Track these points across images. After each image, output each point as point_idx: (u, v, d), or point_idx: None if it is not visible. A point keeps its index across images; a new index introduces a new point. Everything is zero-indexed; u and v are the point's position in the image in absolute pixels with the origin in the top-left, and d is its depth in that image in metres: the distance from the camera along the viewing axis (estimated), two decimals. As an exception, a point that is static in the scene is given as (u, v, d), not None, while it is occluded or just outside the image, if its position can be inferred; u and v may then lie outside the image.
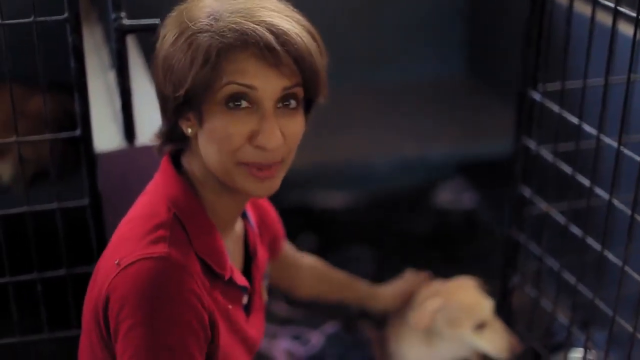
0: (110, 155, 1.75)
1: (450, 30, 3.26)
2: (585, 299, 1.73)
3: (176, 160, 1.41)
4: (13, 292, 1.76)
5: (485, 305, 1.89)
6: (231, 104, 1.26)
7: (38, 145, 1.85)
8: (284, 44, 1.25)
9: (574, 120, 1.74)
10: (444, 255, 2.82)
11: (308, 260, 1.95)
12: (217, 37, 1.24)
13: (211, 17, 1.26)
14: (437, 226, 3.06)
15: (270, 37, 1.24)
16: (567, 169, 1.79)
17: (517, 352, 1.87)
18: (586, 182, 1.71)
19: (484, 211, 3.13)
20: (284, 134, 1.29)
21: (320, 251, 2.23)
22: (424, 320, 1.87)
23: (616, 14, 1.56)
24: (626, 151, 1.57)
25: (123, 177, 1.73)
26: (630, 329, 1.60)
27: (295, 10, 1.32)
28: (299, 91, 1.30)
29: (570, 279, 1.79)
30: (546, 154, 1.87)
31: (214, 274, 1.35)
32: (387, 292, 2.01)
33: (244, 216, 1.53)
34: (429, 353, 1.98)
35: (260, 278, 1.54)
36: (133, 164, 1.74)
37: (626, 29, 1.67)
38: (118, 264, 1.27)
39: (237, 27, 1.24)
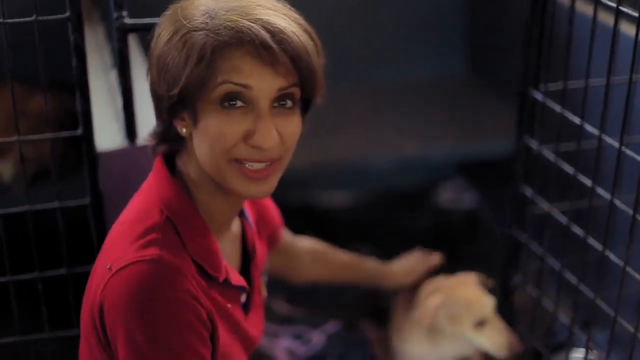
0: (112, 155, 1.75)
1: (451, 30, 3.26)
2: (587, 299, 1.73)
3: (170, 161, 1.40)
4: (14, 291, 1.76)
5: (486, 303, 1.89)
6: (226, 104, 1.25)
7: (39, 144, 1.85)
8: (280, 43, 1.23)
9: (576, 120, 1.73)
10: (445, 254, 2.81)
11: (305, 243, 1.93)
12: (212, 35, 1.23)
13: (206, 15, 1.25)
14: (438, 226, 3.06)
15: (266, 35, 1.22)
16: (568, 168, 1.78)
17: (516, 351, 1.87)
18: (588, 182, 1.71)
19: (485, 211, 3.13)
20: (280, 134, 1.28)
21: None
22: (427, 318, 1.87)
23: (618, 14, 1.56)
24: (628, 151, 1.57)
25: (124, 176, 1.73)
26: (631, 329, 1.59)
27: (292, 8, 1.31)
28: (296, 91, 1.28)
29: (572, 279, 1.79)
30: (548, 153, 1.87)
31: (208, 275, 1.34)
32: (398, 269, 2.00)
33: (242, 214, 1.52)
34: (431, 351, 1.98)
35: (258, 276, 1.54)
36: (134, 163, 1.74)
37: (628, 28, 1.66)
38: (110, 269, 1.26)
39: (232, 25, 1.23)
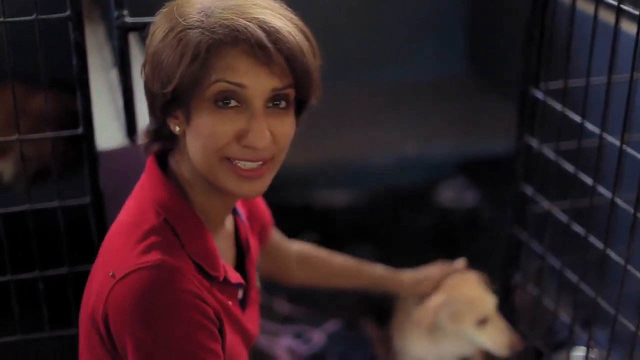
0: (112, 154, 1.75)
1: (452, 29, 3.26)
2: (588, 298, 1.73)
3: (162, 160, 1.39)
4: (14, 291, 1.76)
5: (487, 301, 1.89)
6: (220, 102, 1.24)
7: (40, 143, 1.85)
8: (276, 42, 1.22)
9: (577, 118, 1.73)
10: (446, 253, 2.81)
11: (299, 247, 1.90)
12: (208, 33, 1.22)
13: (202, 13, 1.24)
14: (439, 225, 3.06)
15: (261, 35, 1.21)
16: (569, 167, 1.78)
17: (518, 350, 1.87)
18: (588, 180, 1.71)
19: (486, 210, 3.13)
20: (273, 134, 1.27)
21: (326, 250, 2.23)
22: (428, 317, 1.87)
23: (619, 12, 1.56)
24: (629, 150, 1.57)
25: (125, 175, 1.72)
26: (632, 327, 1.59)
27: (288, 8, 1.30)
28: (290, 92, 1.27)
29: (573, 277, 1.79)
30: (548, 152, 1.87)
31: (208, 275, 1.33)
32: (407, 278, 1.95)
33: (234, 211, 1.51)
34: (432, 350, 1.98)
35: (253, 271, 1.53)
36: (135, 162, 1.73)
37: (629, 27, 1.66)
38: (113, 276, 1.26)
39: (228, 24, 1.22)
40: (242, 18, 1.22)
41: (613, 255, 1.64)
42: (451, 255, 2.63)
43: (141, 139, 1.40)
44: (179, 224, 1.32)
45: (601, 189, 1.68)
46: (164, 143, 1.37)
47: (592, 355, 1.80)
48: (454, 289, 1.90)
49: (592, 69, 1.69)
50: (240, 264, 1.50)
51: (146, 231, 1.29)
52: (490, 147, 2.85)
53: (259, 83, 1.23)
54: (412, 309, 1.94)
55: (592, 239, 1.71)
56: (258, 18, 1.23)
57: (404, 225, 3.04)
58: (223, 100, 1.24)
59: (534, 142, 1.92)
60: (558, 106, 1.80)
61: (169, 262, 1.26)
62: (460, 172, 3.27)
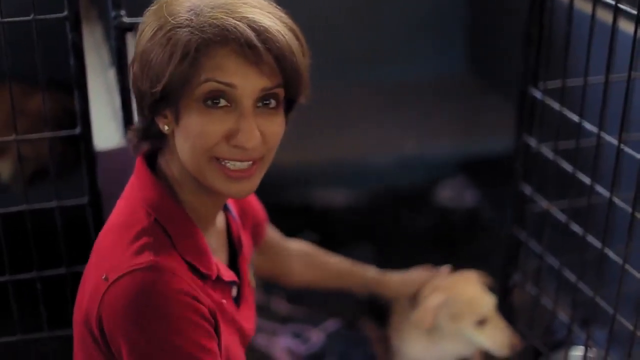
0: (110, 154, 1.75)
1: (452, 29, 3.26)
2: (586, 297, 1.73)
3: (151, 160, 1.38)
4: (13, 291, 1.76)
5: (487, 301, 1.89)
6: (209, 102, 1.23)
7: (37, 143, 1.85)
8: (265, 42, 1.22)
9: (575, 118, 1.73)
10: (445, 253, 2.81)
11: (297, 246, 1.90)
12: (197, 32, 1.21)
13: (192, 12, 1.23)
14: (438, 224, 3.06)
15: (251, 34, 1.21)
16: (567, 166, 1.78)
17: (517, 350, 1.87)
18: (587, 180, 1.71)
19: (485, 209, 3.13)
20: (263, 134, 1.27)
21: (323, 250, 2.23)
22: (428, 317, 1.86)
23: (617, 12, 1.56)
24: (627, 149, 1.57)
25: (123, 175, 1.71)
26: (630, 327, 1.59)
27: (278, 7, 1.30)
28: (280, 91, 1.27)
29: (571, 276, 1.79)
30: (547, 151, 1.87)
31: (201, 273, 1.33)
32: (395, 279, 1.96)
33: (225, 208, 1.51)
34: (431, 350, 1.98)
35: (247, 268, 1.53)
36: (133, 162, 1.73)
37: (627, 26, 1.66)
38: (106, 279, 1.25)
39: (217, 23, 1.21)
40: (232, 17, 1.22)
41: (611, 254, 1.64)
42: (450, 255, 2.63)
43: (130, 138, 1.39)
44: (170, 224, 1.31)
45: (599, 189, 1.68)
46: (153, 142, 1.37)
47: (590, 354, 1.80)
48: (453, 289, 1.90)
49: (590, 69, 1.69)
50: (233, 262, 1.49)
51: (137, 232, 1.29)
52: (490, 146, 2.85)
53: (248, 83, 1.23)
54: (411, 309, 1.93)
55: (591, 239, 1.71)
56: (247, 17, 1.22)
57: (404, 225, 3.04)
58: (212, 100, 1.24)
59: (533, 142, 1.92)
60: (556, 105, 1.80)
61: (162, 262, 1.25)
62: (460, 171, 3.27)
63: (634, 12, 1.49)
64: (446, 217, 3.11)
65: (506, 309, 2.03)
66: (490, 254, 2.40)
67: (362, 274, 1.95)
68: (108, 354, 1.28)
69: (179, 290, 1.25)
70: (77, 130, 1.70)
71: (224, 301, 1.38)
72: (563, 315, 1.88)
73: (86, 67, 1.67)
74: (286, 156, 2.63)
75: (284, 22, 1.27)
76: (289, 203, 3.01)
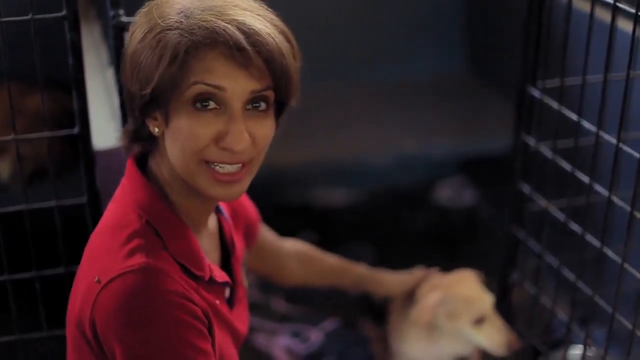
0: (109, 153, 1.75)
1: (451, 28, 3.26)
2: (585, 296, 1.73)
3: (141, 163, 1.38)
4: (12, 290, 1.76)
5: (485, 299, 1.89)
6: (198, 104, 1.23)
7: (36, 143, 1.84)
8: (255, 44, 1.22)
9: (573, 117, 1.73)
10: (444, 252, 2.81)
11: (291, 245, 1.90)
12: (187, 35, 1.21)
13: (181, 14, 1.23)
14: (437, 223, 3.06)
15: (240, 37, 1.21)
16: (566, 165, 1.78)
17: (515, 349, 1.87)
18: (585, 178, 1.71)
19: (484, 208, 3.13)
20: (252, 137, 1.26)
21: (320, 249, 2.22)
22: (425, 315, 1.86)
23: (615, 11, 1.56)
24: (625, 148, 1.57)
25: (121, 174, 1.72)
26: (629, 326, 1.59)
27: (269, 10, 1.29)
28: (270, 94, 1.27)
29: (570, 275, 1.79)
30: (545, 150, 1.87)
31: (193, 275, 1.33)
32: (389, 278, 1.98)
33: (217, 209, 1.51)
34: (430, 349, 1.98)
35: (239, 269, 1.53)
36: (131, 161, 1.74)
37: (625, 25, 1.66)
38: (98, 282, 1.25)
39: (207, 25, 1.21)
40: (221, 20, 1.22)
41: (610, 253, 1.64)
42: (450, 254, 2.64)
43: (121, 140, 1.39)
44: (161, 226, 1.31)
45: (598, 187, 1.68)
46: (144, 144, 1.36)
47: (589, 353, 1.80)
48: (451, 288, 1.90)
49: (589, 67, 1.69)
50: (226, 263, 1.49)
51: (129, 234, 1.28)
52: (489, 145, 2.85)
53: (237, 85, 1.23)
54: (409, 308, 1.93)
55: (590, 237, 1.71)
56: (237, 20, 1.22)
57: (403, 224, 3.04)
58: (201, 103, 1.23)
59: (532, 141, 1.91)
60: (555, 104, 1.80)
61: (154, 264, 1.25)
62: (459, 170, 3.27)
63: (633, 10, 1.49)
64: (445, 216, 3.11)
65: (505, 308, 2.03)
66: (489, 253, 2.40)
67: (355, 272, 1.96)
68: (101, 356, 1.28)
69: (172, 291, 1.24)
70: (76, 130, 1.70)
71: (217, 302, 1.38)
72: (562, 314, 1.88)
73: (85, 67, 1.66)
74: (286, 156, 2.64)
75: (274, 25, 1.26)
76: (289, 203, 3.01)
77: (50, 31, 1.63)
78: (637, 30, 1.48)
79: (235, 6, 1.24)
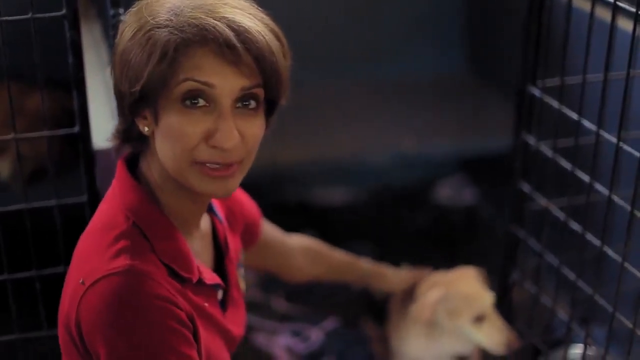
0: (109, 152, 1.73)
1: (450, 27, 3.26)
2: (585, 295, 1.73)
3: (133, 164, 1.38)
4: (12, 290, 1.76)
5: (485, 297, 1.89)
6: (187, 102, 1.23)
7: (36, 142, 1.84)
8: (245, 42, 1.21)
9: (574, 116, 1.73)
10: (444, 251, 2.82)
11: (298, 240, 1.89)
12: (176, 33, 1.21)
13: (171, 12, 1.23)
14: (437, 222, 3.06)
15: (230, 34, 1.20)
16: (566, 164, 1.78)
17: (514, 348, 1.87)
18: (586, 178, 1.71)
19: (484, 207, 3.13)
20: (242, 135, 1.26)
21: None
22: (426, 312, 1.86)
23: (615, 10, 1.56)
24: (625, 147, 1.57)
25: (121, 174, 1.72)
26: (630, 325, 1.59)
27: (259, 8, 1.29)
28: (259, 92, 1.26)
29: (570, 275, 1.79)
30: (546, 149, 1.87)
31: (181, 277, 1.32)
32: (391, 272, 1.98)
33: (211, 210, 1.50)
34: (429, 348, 1.98)
35: (234, 271, 1.51)
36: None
37: (625, 24, 1.66)
38: (83, 283, 1.24)
39: (196, 23, 1.21)
40: (211, 17, 1.22)
41: (610, 252, 1.64)
42: (449, 253, 2.63)
43: (112, 141, 1.38)
44: (148, 227, 1.30)
45: (598, 187, 1.67)
46: (135, 145, 1.36)
47: (589, 352, 1.80)
48: (451, 285, 1.90)
49: (589, 67, 1.69)
50: (220, 265, 1.48)
51: (115, 236, 1.28)
52: (489, 144, 2.85)
53: (227, 82, 1.22)
54: (409, 306, 1.93)
55: (590, 237, 1.71)
56: (227, 17, 1.22)
57: (403, 223, 3.04)
58: (191, 100, 1.23)
59: (532, 140, 1.91)
60: (555, 104, 1.80)
61: (138, 266, 1.24)
62: (459, 170, 3.27)
63: (633, 9, 1.49)
64: (445, 215, 3.11)
65: (505, 307, 2.03)
66: (489, 252, 2.40)
67: (360, 267, 1.96)
68: (87, 357, 1.27)
69: (156, 294, 1.24)
70: (76, 129, 1.70)
71: (206, 304, 1.37)
72: (562, 314, 1.88)
73: (85, 66, 1.66)
74: (286, 155, 2.64)
75: (265, 23, 1.26)
76: (288, 202, 3.01)
77: (50, 30, 1.63)
78: (637, 29, 1.48)
79: (225, 4, 1.24)
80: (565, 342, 1.88)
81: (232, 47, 1.21)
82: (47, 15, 1.60)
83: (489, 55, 3.16)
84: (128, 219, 1.30)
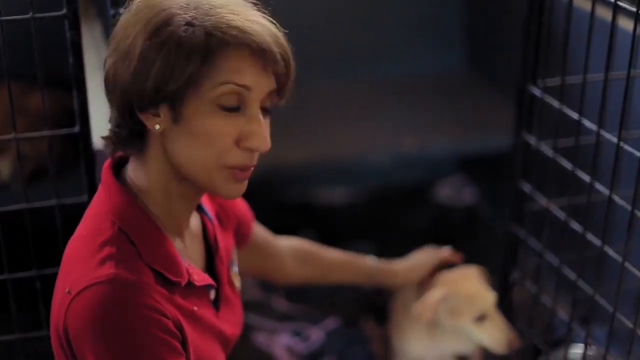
0: (109, 152, 1.75)
1: (451, 25, 3.26)
2: (586, 295, 1.73)
3: (117, 168, 1.36)
4: (12, 289, 1.76)
5: (487, 297, 1.89)
6: (224, 104, 1.22)
7: (36, 142, 1.84)
8: (280, 47, 1.23)
9: (574, 115, 1.73)
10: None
11: (287, 243, 1.85)
12: (213, 32, 1.20)
13: (198, 9, 1.21)
14: (437, 222, 3.06)
15: (268, 38, 1.22)
16: (567, 164, 1.78)
17: (516, 348, 1.87)
18: (586, 177, 1.71)
19: (484, 207, 3.13)
20: None
21: (321, 244, 2.22)
22: (428, 312, 1.86)
23: (616, 9, 1.56)
24: (626, 147, 1.57)
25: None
26: (630, 324, 1.59)
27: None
28: (274, 95, 1.28)
29: (570, 274, 1.79)
30: (546, 149, 1.87)
31: (169, 281, 1.30)
32: (400, 267, 1.94)
33: (200, 209, 1.49)
34: (431, 347, 1.98)
35: (225, 269, 1.50)
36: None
37: (626, 24, 1.66)
38: (69, 292, 1.24)
39: (234, 24, 1.20)
40: (244, 19, 1.22)
41: (611, 252, 1.64)
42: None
43: (106, 144, 1.35)
44: (134, 232, 1.28)
45: (599, 186, 1.67)
46: (125, 147, 1.33)
47: (590, 352, 1.80)
48: (453, 284, 1.90)
49: (590, 66, 1.69)
50: (211, 264, 1.47)
51: (101, 243, 1.26)
52: (489, 144, 2.84)
53: (260, 85, 1.23)
54: (411, 306, 1.93)
55: (590, 236, 1.71)
56: (259, 21, 1.23)
57: (403, 223, 3.04)
58: (228, 102, 1.23)
59: (532, 140, 1.91)
60: (556, 103, 1.80)
61: (123, 275, 1.23)
62: (459, 169, 3.27)
63: (633, 9, 1.49)
64: (445, 215, 3.12)
65: (505, 306, 2.03)
66: (489, 252, 2.40)
67: (366, 265, 1.92)
68: None
69: (141, 303, 1.22)
70: (76, 129, 1.70)
71: (196, 308, 1.35)
72: (563, 313, 1.88)
73: (85, 66, 1.66)
74: (286, 154, 2.63)
75: (278, 29, 1.28)
76: (289, 201, 3.01)
77: (50, 30, 1.63)
78: (637, 29, 1.48)
79: (244, 6, 1.25)
80: (565, 341, 1.88)
81: (270, 52, 1.22)
82: (47, 15, 1.60)
83: (489, 55, 3.16)
84: (114, 225, 1.28)
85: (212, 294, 1.44)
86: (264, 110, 1.28)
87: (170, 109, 1.24)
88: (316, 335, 2.44)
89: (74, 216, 1.74)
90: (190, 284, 1.34)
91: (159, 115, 1.25)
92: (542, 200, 1.91)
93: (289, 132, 2.47)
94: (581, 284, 1.75)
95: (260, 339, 2.42)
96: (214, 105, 1.22)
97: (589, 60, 1.68)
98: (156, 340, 1.23)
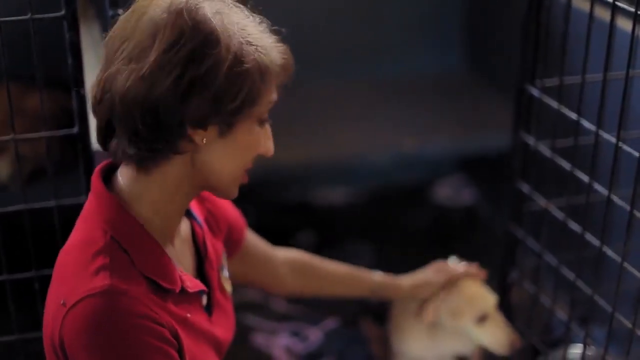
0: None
1: (450, 25, 3.26)
2: (584, 295, 1.73)
3: (107, 176, 1.36)
4: (11, 290, 1.76)
5: (488, 298, 1.88)
6: (263, 118, 1.32)
7: (35, 142, 1.85)
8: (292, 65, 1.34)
9: (573, 115, 1.73)
10: (443, 251, 2.81)
11: (284, 253, 1.83)
12: (277, 57, 1.29)
13: (253, 35, 1.28)
14: (436, 222, 3.06)
15: (291, 60, 1.33)
16: (565, 164, 1.78)
17: (516, 349, 1.87)
18: (585, 177, 1.71)
19: (483, 207, 3.13)
20: None
21: (319, 248, 2.22)
22: (429, 313, 1.86)
23: (614, 9, 1.56)
24: (625, 147, 1.57)
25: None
26: (629, 325, 1.59)
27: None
28: None
29: (569, 274, 1.79)
30: (545, 149, 1.87)
31: (163, 289, 1.31)
32: (406, 283, 1.90)
33: (190, 215, 1.49)
34: (431, 348, 1.97)
35: (215, 274, 1.50)
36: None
37: (625, 24, 1.66)
38: (64, 304, 1.24)
39: (278, 49, 1.30)
40: (277, 43, 1.31)
41: (610, 252, 1.64)
42: (448, 253, 2.63)
43: (131, 154, 1.30)
44: (128, 241, 1.29)
45: (597, 186, 1.67)
46: (135, 160, 1.31)
47: (589, 352, 1.80)
48: (454, 286, 1.89)
49: (588, 66, 1.69)
50: (201, 268, 1.47)
51: (94, 253, 1.27)
52: (488, 144, 2.84)
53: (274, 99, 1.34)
54: (411, 306, 1.93)
55: (589, 237, 1.71)
56: (277, 45, 1.31)
57: (402, 223, 3.04)
58: (264, 116, 1.33)
59: (531, 140, 1.91)
60: (554, 103, 1.80)
61: (117, 286, 1.23)
62: (458, 169, 3.27)
63: (632, 9, 1.49)
64: (444, 215, 3.11)
65: (504, 307, 2.03)
66: (488, 252, 2.40)
67: (369, 280, 1.88)
68: None
69: (136, 313, 1.23)
70: (75, 130, 1.70)
71: (189, 315, 1.36)
72: (561, 314, 1.88)
73: (84, 66, 1.66)
74: (285, 155, 2.63)
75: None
76: (288, 201, 3.01)
77: (49, 31, 1.63)
78: (636, 29, 1.48)
79: (261, 24, 1.32)
80: (564, 342, 1.88)
81: (290, 72, 1.33)
82: (46, 16, 1.60)
83: (489, 55, 3.16)
84: (106, 234, 1.29)
85: (204, 300, 1.44)
86: None
87: (221, 124, 1.28)
88: (315, 335, 2.44)
89: (72, 217, 1.74)
90: (183, 290, 1.35)
91: (206, 130, 1.27)
92: (541, 201, 1.91)
93: (289, 132, 2.46)
94: (580, 284, 1.75)
95: (259, 339, 2.42)
96: (257, 119, 1.31)
97: (588, 60, 1.68)
98: (152, 349, 1.23)
